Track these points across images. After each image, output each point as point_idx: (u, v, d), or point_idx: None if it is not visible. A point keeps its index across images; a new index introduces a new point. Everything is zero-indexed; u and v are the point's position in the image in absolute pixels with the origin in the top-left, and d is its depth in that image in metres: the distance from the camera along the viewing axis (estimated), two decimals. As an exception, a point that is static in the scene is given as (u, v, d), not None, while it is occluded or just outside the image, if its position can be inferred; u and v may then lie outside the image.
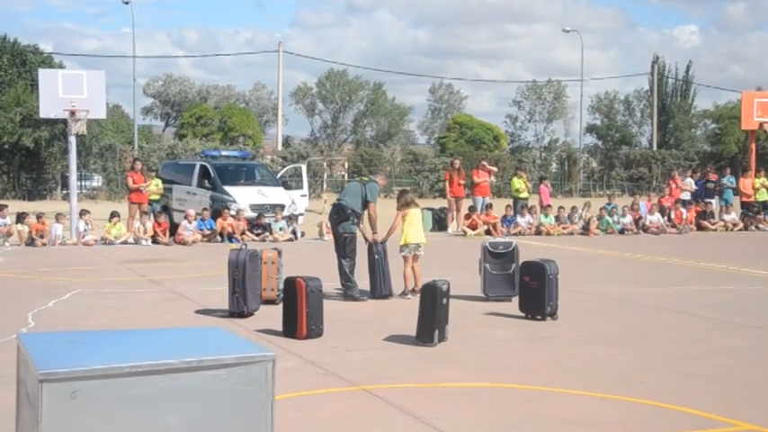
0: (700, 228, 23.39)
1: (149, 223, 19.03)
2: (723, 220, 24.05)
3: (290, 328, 8.48)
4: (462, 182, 22.95)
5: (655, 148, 56.81)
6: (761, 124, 27.17)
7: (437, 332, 8.11)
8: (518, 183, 23.76)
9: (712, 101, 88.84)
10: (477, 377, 7.00)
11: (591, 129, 71.70)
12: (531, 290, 9.58)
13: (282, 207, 20.53)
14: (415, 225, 11.06)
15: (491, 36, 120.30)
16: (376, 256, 11.01)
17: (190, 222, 18.95)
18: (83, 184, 39.72)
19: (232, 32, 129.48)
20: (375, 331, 8.77)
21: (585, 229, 21.93)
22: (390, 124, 77.52)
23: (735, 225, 23.78)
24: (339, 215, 11.15)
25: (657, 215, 22.96)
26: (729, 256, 16.62)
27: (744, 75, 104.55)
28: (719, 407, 6.09)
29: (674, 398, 6.32)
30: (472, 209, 21.98)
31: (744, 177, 25.79)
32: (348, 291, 10.90)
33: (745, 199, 25.08)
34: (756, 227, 23.88)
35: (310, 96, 76.08)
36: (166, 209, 21.73)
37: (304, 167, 28.60)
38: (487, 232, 20.70)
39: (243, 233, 19.13)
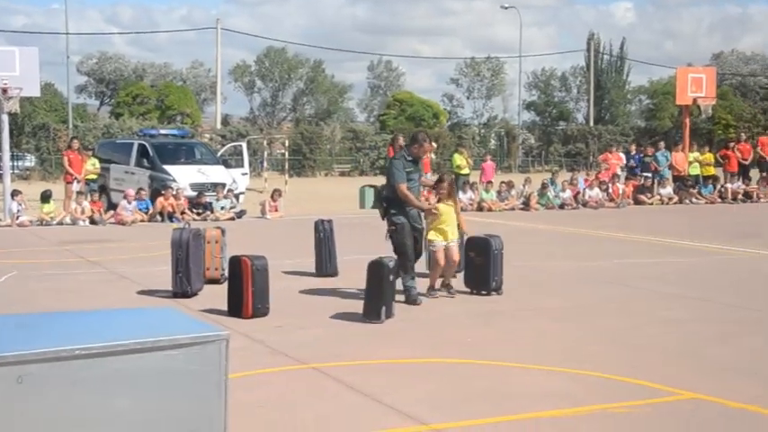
0: (637, 202, 23.82)
1: (86, 203, 18.64)
2: (659, 194, 24.53)
3: (236, 308, 8.39)
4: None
5: (591, 123, 57.60)
6: (695, 99, 27.73)
7: (384, 309, 8.10)
8: (459, 159, 23.91)
9: (647, 77, 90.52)
10: (426, 353, 7.02)
11: (529, 105, 72.43)
12: (477, 265, 9.64)
13: (223, 186, 20.32)
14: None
15: (430, 12, 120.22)
16: (321, 234, 10.96)
17: (129, 202, 18.63)
18: (15, 164, 38.71)
19: (167, 9, 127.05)
20: (322, 309, 8.72)
21: (526, 205, 22.17)
22: (330, 102, 77.20)
23: (670, 199, 24.26)
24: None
25: (596, 190, 23.32)
26: (666, 229, 16.95)
27: (677, 51, 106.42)
28: (663, 377, 6.20)
29: (619, 369, 6.41)
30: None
31: (675, 152, 26.27)
32: (405, 292, 9.09)
33: (676, 173, 25.57)
34: (690, 200, 24.40)
35: (249, 74, 75.27)
36: (104, 189, 21.37)
37: (244, 146, 28.34)
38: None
39: (183, 212, 18.88)
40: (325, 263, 10.96)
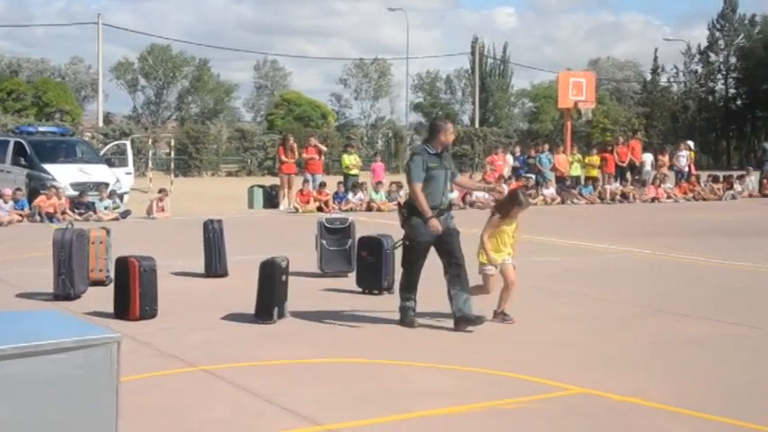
0: (521, 202, 24.30)
1: (-41, 204, 17.78)
2: (542, 194, 25.19)
3: (122, 310, 8.16)
4: (293, 159, 22.95)
5: (476, 125, 58.64)
6: (575, 103, 28.62)
7: (276, 309, 8.03)
8: (348, 159, 23.97)
9: (529, 80, 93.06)
10: (319, 353, 6.98)
11: (416, 107, 73.28)
12: (369, 264, 9.67)
13: (106, 185, 19.77)
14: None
15: (316, 12, 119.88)
16: (210, 234, 10.77)
17: (6, 202, 17.87)
18: None
19: (44, 2, 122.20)
20: (212, 310, 8.57)
21: (414, 205, 22.36)
22: (216, 101, 76.24)
23: (553, 199, 24.94)
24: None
25: (483, 190, 23.72)
26: (551, 229, 17.39)
27: (556, 56, 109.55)
28: (553, 372, 6.35)
29: (510, 366, 6.53)
30: (306, 183, 22.04)
31: (557, 153, 27.06)
32: (401, 313, 8.08)
33: (558, 174, 26.35)
34: (572, 201, 25.15)
35: (132, 72, 73.53)
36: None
37: (128, 144, 27.64)
38: (319, 209, 20.77)
39: (64, 213, 18.25)
40: (215, 263, 10.78)
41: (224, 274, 10.76)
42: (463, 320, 7.73)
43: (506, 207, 8.22)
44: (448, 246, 7.91)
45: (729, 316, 8.59)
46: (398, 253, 8.49)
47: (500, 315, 8.16)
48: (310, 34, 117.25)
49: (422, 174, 7.81)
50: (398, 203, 7.94)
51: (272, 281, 8.02)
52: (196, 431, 5.12)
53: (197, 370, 6.40)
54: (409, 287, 8.00)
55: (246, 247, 12.49)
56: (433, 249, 8.03)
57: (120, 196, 20.42)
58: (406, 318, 7.99)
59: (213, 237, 10.81)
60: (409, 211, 7.90)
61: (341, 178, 23.86)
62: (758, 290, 10.38)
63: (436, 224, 7.72)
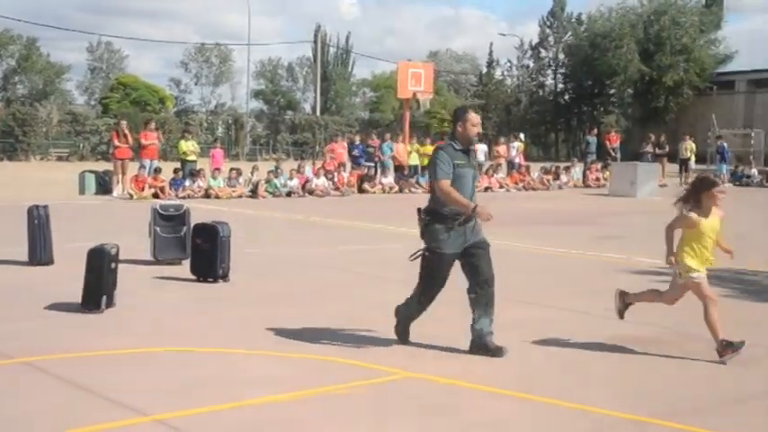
0: (361, 191, 24.67)
1: None
2: (381, 183, 25.57)
3: (-65, 301, 7.69)
4: (128, 144, 22.31)
5: (318, 113, 58.75)
6: (414, 93, 29.16)
7: (105, 298, 7.79)
8: (186, 145, 23.51)
9: (370, 70, 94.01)
10: (149, 342, 6.82)
11: (257, 94, 72.61)
12: (203, 252, 9.52)
13: None
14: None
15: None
16: (35, 221, 10.30)
17: None
18: None
19: None
20: (35, 300, 8.19)
21: (254, 193, 22.22)
22: (46, 82, 72.90)
23: (391, 188, 25.37)
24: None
25: (323, 178, 23.87)
26: (388, 217, 17.68)
27: (397, 47, 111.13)
28: (383, 359, 6.46)
29: (344, 353, 6.59)
30: (141, 169, 21.45)
31: (396, 143, 27.55)
32: (399, 325, 7.10)
33: (397, 163, 26.84)
34: (410, 189, 25.66)
35: (-49, 49, 69.24)
36: None
37: (-54, 125, 25.99)
38: (155, 195, 20.27)
39: None
40: (40, 251, 10.34)
41: (49, 262, 10.34)
42: (482, 348, 6.72)
43: (697, 196, 6.62)
44: (476, 259, 6.80)
45: (552, 300, 9.01)
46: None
47: (728, 347, 6.46)
48: (151, 17, 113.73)
49: (449, 170, 6.62)
50: (418, 210, 6.91)
51: (101, 269, 7.77)
52: (9, 426, 4.88)
53: (13, 362, 6.11)
54: (423, 301, 6.96)
55: (75, 235, 12.02)
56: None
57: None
58: (402, 331, 7.04)
59: (38, 223, 10.36)
60: (431, 217, 6.74)
61: (178, 164, 23.38)
62: (582, 275, 10.94)
63: (486, 211, 6.57)
